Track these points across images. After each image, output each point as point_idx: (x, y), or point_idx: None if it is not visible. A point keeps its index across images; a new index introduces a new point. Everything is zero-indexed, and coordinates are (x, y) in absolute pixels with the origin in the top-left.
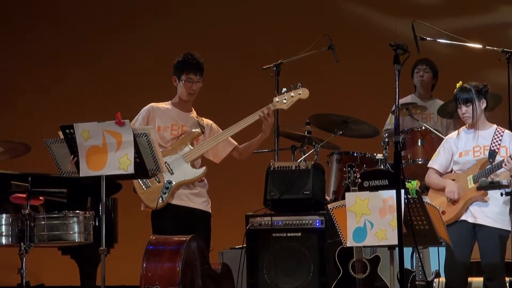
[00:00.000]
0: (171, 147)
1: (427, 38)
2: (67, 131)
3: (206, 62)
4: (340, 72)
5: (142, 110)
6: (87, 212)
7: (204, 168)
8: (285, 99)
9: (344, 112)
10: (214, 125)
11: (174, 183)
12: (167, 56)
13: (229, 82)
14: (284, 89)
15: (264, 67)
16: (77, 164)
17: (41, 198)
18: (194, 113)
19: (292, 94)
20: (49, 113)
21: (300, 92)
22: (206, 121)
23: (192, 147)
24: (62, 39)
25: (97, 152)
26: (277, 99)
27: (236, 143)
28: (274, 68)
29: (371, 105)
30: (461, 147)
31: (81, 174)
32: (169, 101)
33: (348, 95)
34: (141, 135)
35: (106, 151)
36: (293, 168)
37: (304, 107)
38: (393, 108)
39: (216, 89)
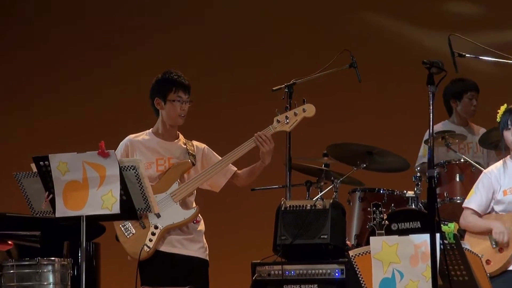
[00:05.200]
0: (156, 184)
1: (467, 55)
2: (41, 163)
3: (199, 85)
4: (363, 94)
5: (119, 145)
6: (64, 259)
7: (195, 208)
8: (287, 118)
9: (368, 141)
10: (207, 149)
11: (161, 227)
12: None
13: (231, 106)
14: (287, 107)
15: (273, 88)
16: (52, 202)
17: (9, 242)
18: (181, 139)
19: (295, 111)
20: (20, 142)
21: (305, 108)
22: (197, 145)
23: (181, 183)
24: (36, 60)
25: (77, 189)
26: (278, 119)
27: (235, 169)
28: (286, 90)
29: (400, 133)
30: (506, 184)
31: (57, 215)
32: (148, 130)
33: (372, 121)
34: (129, 168)
35: (87, 187)
36: (308, 207)
37: (321, 136)
38: (426, 136)
39: (209, 116)
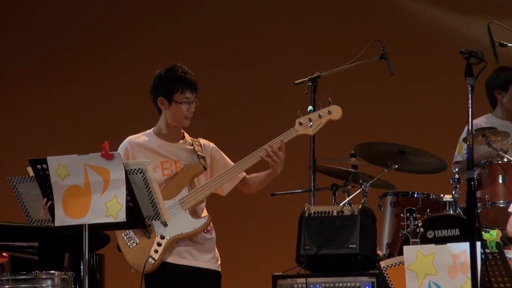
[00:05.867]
0: (163, 190)
1: (509, 45)
2: (38, 166)
3: (209, 79)
4: (396, 88)
5: (119, 148)
6: (65, 273)
7: (206, 217)
8: (310, 120)
9: (401, 140)
10: (214, 149)
11: (168, 238)
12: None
13: (246, 103)
14: (310, 108)
15: (296, 81)
16: (51, 209)
17: (4, 254)
18: (187, 139)
19: (319, 113)
20: (15, 144)
21: (331, 110)
22: (204, 144)
23: (191, 189)
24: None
25: (78, 194)
26: (300, 121)
27: (244, 174)
28: (310, 83)
29: (436, 131)
30: None
31: (57, 223)
32: (149, 131)
33: (405, 118)
34: (135, 171)
35: (89, 192)
36: (335, 214)
37: (348, 134)
38: (465, 134)
39: (221, 114)
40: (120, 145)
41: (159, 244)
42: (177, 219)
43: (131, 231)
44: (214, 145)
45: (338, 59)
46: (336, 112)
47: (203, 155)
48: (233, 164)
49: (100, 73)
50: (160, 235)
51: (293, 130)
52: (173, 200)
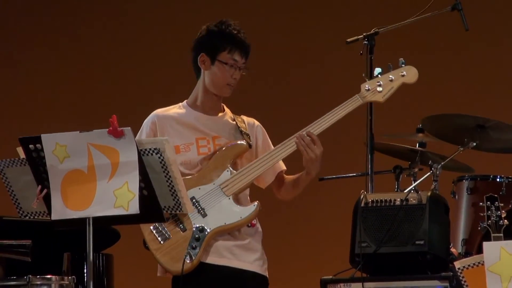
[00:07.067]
0: (199, 173)
1: None
2: (30, 146)
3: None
4: (471, 49)
5: (143, 124)
6: (64, 277)
7: (254, 204)
8: (379, 85)
9: (479, 112)
10: (259, 129)
11: (208, 230)
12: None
13: (289, 67)
14: (378, 70)
15: (348, 40)
16: (47, 200)
17: None
18: (227, 113)
19: (391, 76)
20: (3, 120)
21: (404, 72)
22: (248, 121)
23: (234, 171)
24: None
25: (80, 181)
26: (367, 86)
27: (284, 168)
28: (365, 41)
29: None
30: None
31: (54, 217)
32: (182, 103)
33: (485, 85)
34: (151, 151)
35: (94, 178)
36: (398, 203)
37: (414, 105)
38: None
39: (261, 84)
40: (145, 120)
41: (197, 239)
42: (219, 208)
43: (161, 223)
44: (260, 124)
45: (399, 12)
46: (410, 74)
47: (247, 132)
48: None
49: (114, 27)
50: (198, 228)
51: (359, 96)
52: (212, 184)
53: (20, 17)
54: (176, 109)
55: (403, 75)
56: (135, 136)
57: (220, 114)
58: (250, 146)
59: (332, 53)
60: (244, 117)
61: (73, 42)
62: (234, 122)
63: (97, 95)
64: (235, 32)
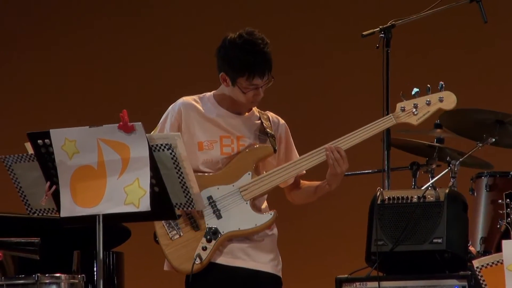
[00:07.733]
0: (220, 172)
1: None
2: (39, 141)
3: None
4: (491, 41)
5: (168, 110)
6: (74, 276)
7: (271, 213)
8: (415, 107)
9: (498, 107)
10: (284, 128)
11: (222, 233)
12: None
13: (289, 67)
14: (416, 90)
15: (364, 33)
16: (56, 196)
17: None
18: (255, 111)
19: (428, 100)
20: (12, 115)
21: (442, 97)
22: (273, 119)
23: (255, 175)
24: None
25: (90, 177)
26: (402, 107)
27: (304, 171)
28: (382, 35)
29: None
30: None
31: (63, 214)
32: (209, 94)
33: (504, 79)
34: (162, 147)
35: (104, 174)
36: (415, 200)
37: None
38: None
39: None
40: (171, 107)
41: (209, 240)
42: (235, 211)
43: None
44: (284, 123)
45: (415, 4)
46: (448, 100)
47: (273, 132)
48: (298, 156)
49: (114, 27)
50: (212, 229)
51: (393, 116)
52: (232, 186)
53: (20, 17)
54: (203, 101)
55: (441, 100)
56: (146, 131)
57: (246, 114)
58: (275, 150)
59: (333, 54)
60: (270, 114)
61: (74, 43)
62: (260, 121)
63: (98, 95)
64: (254, 54)
